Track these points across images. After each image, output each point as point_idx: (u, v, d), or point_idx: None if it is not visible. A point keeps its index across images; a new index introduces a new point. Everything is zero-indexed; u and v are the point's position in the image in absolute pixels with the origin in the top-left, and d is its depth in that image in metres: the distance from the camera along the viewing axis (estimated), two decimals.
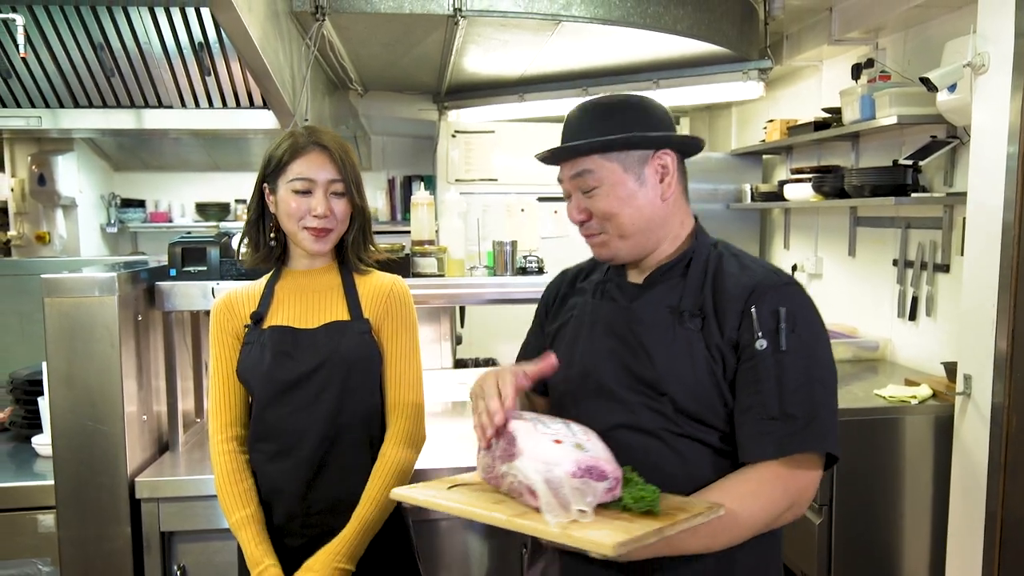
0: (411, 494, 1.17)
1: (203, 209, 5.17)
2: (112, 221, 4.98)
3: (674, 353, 1.21)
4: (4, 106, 3.01)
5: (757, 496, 1.15)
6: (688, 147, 1.31)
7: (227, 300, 1.59)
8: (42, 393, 2.02)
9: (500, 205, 4.53)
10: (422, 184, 3.20)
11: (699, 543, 1.12)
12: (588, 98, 1.34)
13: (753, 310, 1.18)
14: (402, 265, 2.29)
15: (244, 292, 1.59)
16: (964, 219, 2.43)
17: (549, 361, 1.21)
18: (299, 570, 1.44)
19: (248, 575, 1.48)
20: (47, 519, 1.85)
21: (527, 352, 1.47)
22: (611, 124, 1.25)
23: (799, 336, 1.17)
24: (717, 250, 1.30)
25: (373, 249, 1.63)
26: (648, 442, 1.21)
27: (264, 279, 1.61)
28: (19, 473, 1.98)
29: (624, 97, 1.31)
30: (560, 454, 1.05)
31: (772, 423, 1.15)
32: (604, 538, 0.95)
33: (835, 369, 1.22)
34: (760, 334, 1.17)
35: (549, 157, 1.30)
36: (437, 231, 2.45)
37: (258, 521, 1.49)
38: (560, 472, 1.03)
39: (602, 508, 1.05)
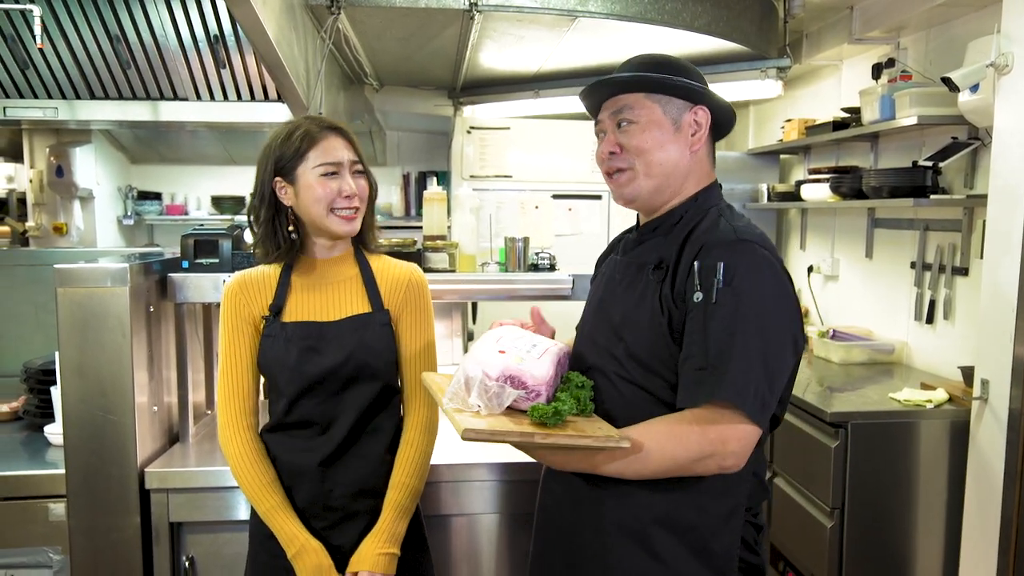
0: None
1: (218, 202, 5.20)
2: (129, 213, 5.01)
3: (634, 301, 1.31)
4: (21, 97, 3.04)
5: (671, 435, 1.20)
6: (723, 115, 1.38)
7: (240, 284, 1.57)
8: (55, 383, 2.03)
9: (514, 202, 4.52)
10: (435, 180, 3.20)
11: (614, 467, 1.21)
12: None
13: (696, 264, 1.23)
14: (413, 259, 2.28)
15: (258, 277, 1.57)
16: (984, 222, 2.39)
17: (533, 313, 1.46)
18: (348, 566, 1.48)
19: (259, 564, 1.51)
20: (58, 508, 1.86)
21: None
22: (658, 71, 1.33)
23: (732, 288, 1.20)
24: (712, 211, 1.34)
25: (377, 228, 1.65)
26: (603, 383, 1.31)
27: (277, 265, 1.59)
28: (32, 462, 1.99)
29: (670, 56, 1.39)
30: (494, 360, 1.23)
31: (699, 373, 1.19)
32: (462, 421, 1.12)
33: (777, 326, 1.21)
34: (698, 286, 1.22)
35: (597, 87, 1.36)
36: (449, 227, 2.44)
37: (288, 506, 1.51)
38: (479, 372, 1.20)
39: (515, 411, 1.21)
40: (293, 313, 1.54)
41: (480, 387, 1.18)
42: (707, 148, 1.39)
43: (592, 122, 1.44)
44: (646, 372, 1.27)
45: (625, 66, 1.39)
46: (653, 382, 1.27)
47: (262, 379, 1.60)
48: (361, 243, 1.62)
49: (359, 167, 1.54)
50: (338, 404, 1.52)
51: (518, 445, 1.17)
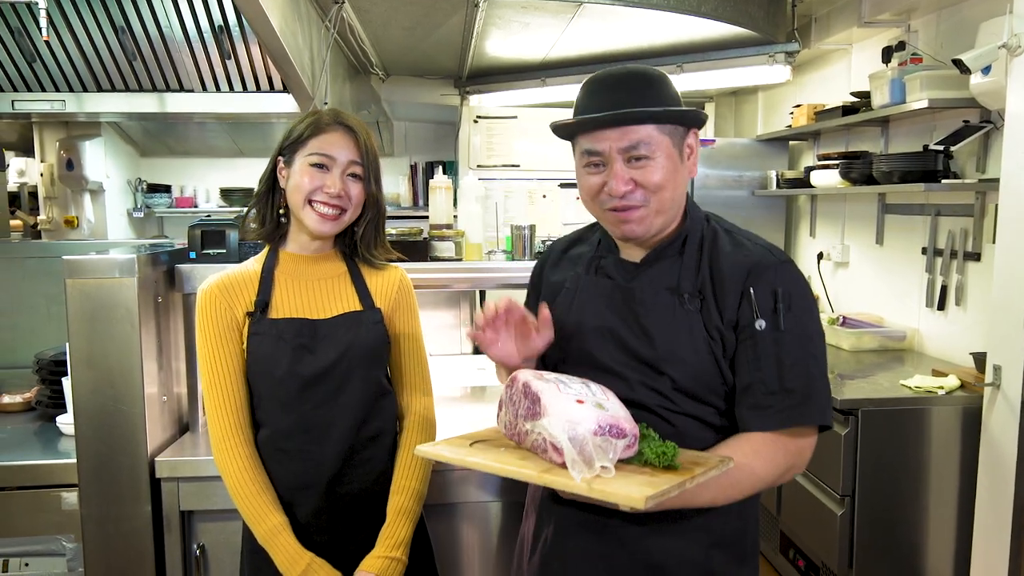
0: (437, 451, 1.21)
1: (227, 194, 5.22)
2: (138, 206, 5.04)
3: (675, 334, 1.25)
4: (29, 90, 3.05)
5: (759, 455, 1.21)
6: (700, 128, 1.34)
7: (220, 286, 1.48)
8: (66, 373, 2.05)
9: (522, 191, 4.52)
10: (443, 170, 3.20)
11: (707, 496, 1.17)
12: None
13: (752, 291, 1.23)
14: (420, 248, 2.29)
15: (238, 277, 1.50)
16: (996, 206, 2.37)
17: (543, 314, 1.28)
18: (355, 572, 1.44)
19: (255, 563, 1.48)
20: (71, 496, 1.87)
21: None
22: (658, 96, 1.24)
23: (795, 315, 1.23)
24: (710, 226, 1.33)
25: (383, 248, 1.57)
26: (646, 417, 1.23)
27: (255, 263, 1.54)
28: (44, 451, 2.01)
29: (649, 69, 1.29)
30: (583, 413, 1.10)
31: (772, 397, 1.21)
32: (634, 492, 1.00)
33: (824, 341, 1.28)
34: (759, 314, 1.22)
35: (609, 119, 1.22)
36: (456, 216, 2.44)
37: (288, 525, 1.44)
38: (583, 430, 1.07)
39: (622, 463, 1.11)
40: (281, 309, 1.48)
41: (593, 447, 1.07)
42: None
43: None
44: (696, 402, 1.26)
45: (621, 87, 1.25)
46: (704, 410, 1.26)
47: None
48: (357, 256, 1.55)
49: (357, 170, 1.47)
50: (334, 408, 1.46)
51: (673, 498, 1.07)
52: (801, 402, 1.21)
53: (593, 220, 1.42)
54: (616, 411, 1.13)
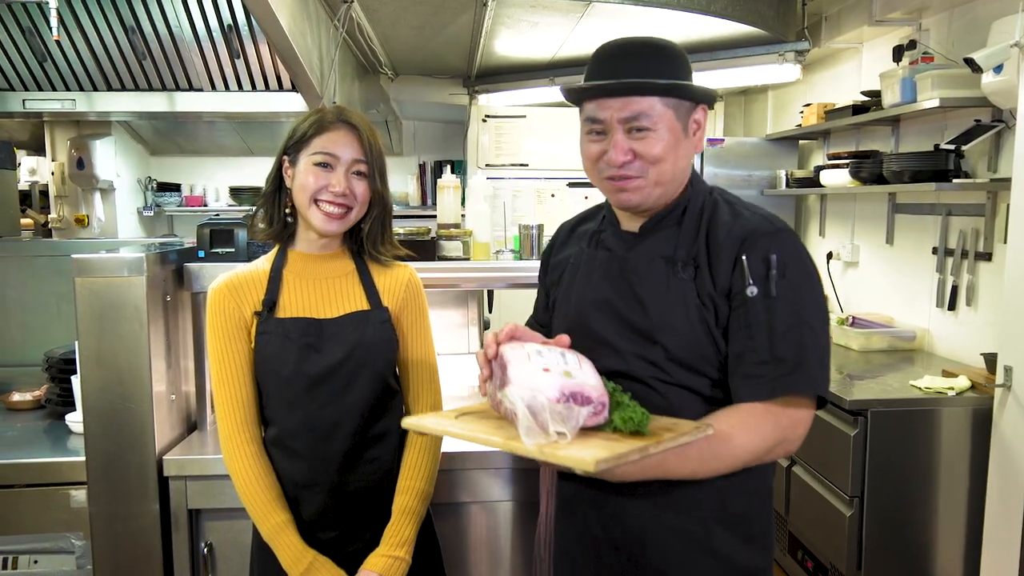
0: (421, 423, 1.22)
1: (237, 193, 5.23)
2: (148, 204, 5.06)
3: (668, 303, 1.24)
4: (40, 89, 3.07)
5: (746, 426, 1.18)
6: (711, 103, 1.33)
7: (229, 286, 1.49)
8: (75, 371, 2.06)
9: (531, 190, 4.51)
10: (451, 169, 3.21)
11: (688, 467, 1.16)
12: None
13: (744, 258, 1.20)
14: (428, 248, 2.29)
15: (247, 276, 1.51)
16: (1008, 206, 2.35)
17: (561, 340, 1.24)
18: (357, 572, 1.44)
19: (263, 558, 1.49)
20: (79, 494, 1.88)
21: (537, 314, 1.52)
22: (666, 68, 1.24)
23: (788, 281, 1.19)
24: (712, 197, 1.31)
25: (391, 244, 1.57)
26: (639, 389, 1.23)
27: (265, 262, 1.54)
28: (54, 449, 2.02)
29: (663, 41, 1.29)
30: (546, 381, 1.11)
31: (764, 367, 1.18)
32: (586, 455, 1.00)
33: (826, 312, 1.24)
34: (751, 281, 1.20)
35: (612, 88, 1.23)
36: (464, 215, 2.44)
37: (292, 522, 1.45)
38: (542, 398, 1.08)
39: (592, 431, 1.11)
40: (289, 308, 1.48)
41: (550, 413, 1.08)
42: None
43: None
44: (689, 372, 1.24)
45: (629, 57, 1.26)
46: (697, 381, 1.24)
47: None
48: (364, 254, 1.56)
49: (361, 168, 1.46)
50: (341, 407, 1.46)
51: (644, 466, 1.11)
52: (792, 371, 1.17)
53: (602, 201, 1.43)
54: (584, 379, 1.14)
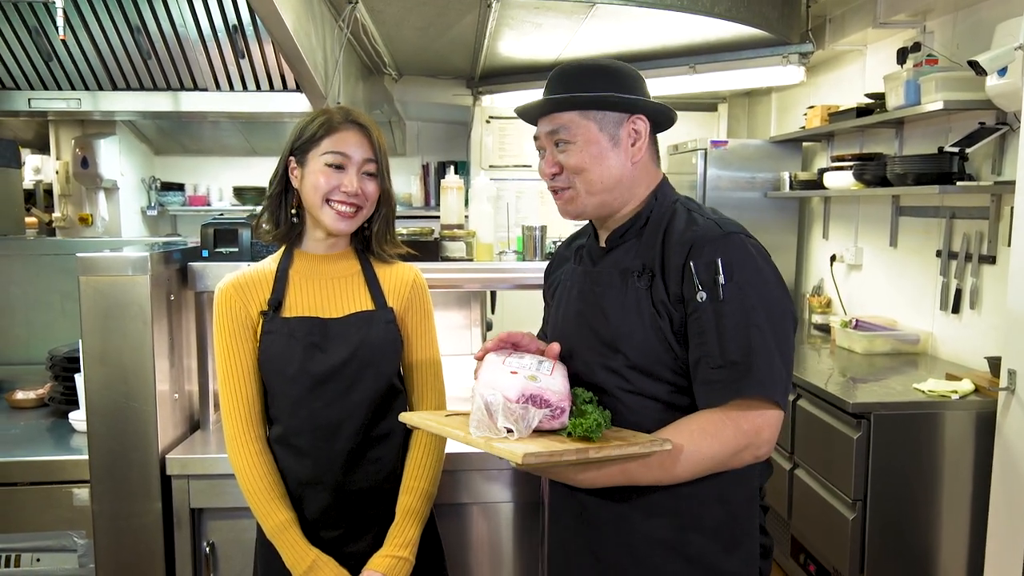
0: (411, 418, 1.31)
1: (240, 193, 5.25)
2: (152, 204, 5.07)
3: (626, 311, 1.28)
4: (46, 88, 3.07)
5: (706, 433, 1.19)
6: (661, 116, 1.35)
7: (235, 285, 1.50)
8: (79, 370, 2.06)
9: (534, 191, 4.50)
10: (454, 169, 3.21)
11: (651, 474, 1.19)
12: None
13: (692, 264, 1.22)
14: (431, 248, 2.29)
15: (254, 276, 1.52)
16: (1012, 208, 2.34)
17: (551, 349, 1.33)
18: (361, 572, 1.44)
19: (266, 556, 1.49)
20: (82, 493, 1.89)
21: (544, 325, 1.57)
22: (590, 86, 1.30)
23: (736, 284, 1.20)
24: (674, 206, 1.34)
25: (394, 243, 1.58)
26: (606, 400, 1.27)
27: (271, 262, 1.55)
28: (57, 448, 2.03)
29: (604, 61, 1.35)
30: (508, 382, 1.18)
31: (718, 371, 1.20)
32: (518, 448, 1.07)
33: (780, 312, 1.23)
34: (700, 287, 1.21)
35: (531, 110, 1.35)
36: (467, 216, 2.44)
37: (295, 521, 1.46)
38: (500, 397, 1.15)
39: (547, 433, 1.18)
40: (294, 308, 1.49)
41: (504, 411, 1.14)
42: (650, 150, 1.36)
43: None
44: (650, 380, 1.26)
45: (556, 78, 1.35)
46: (658, 388, 1.26)
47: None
48: (370, 252, 1.57)
49: (371, 168, 1.48)
50: (345, 406, 1.46)
51: (610, 473, 1.17)
52: (742, 375, 1.18)
53: None
54: (548, 385, 1.19)
